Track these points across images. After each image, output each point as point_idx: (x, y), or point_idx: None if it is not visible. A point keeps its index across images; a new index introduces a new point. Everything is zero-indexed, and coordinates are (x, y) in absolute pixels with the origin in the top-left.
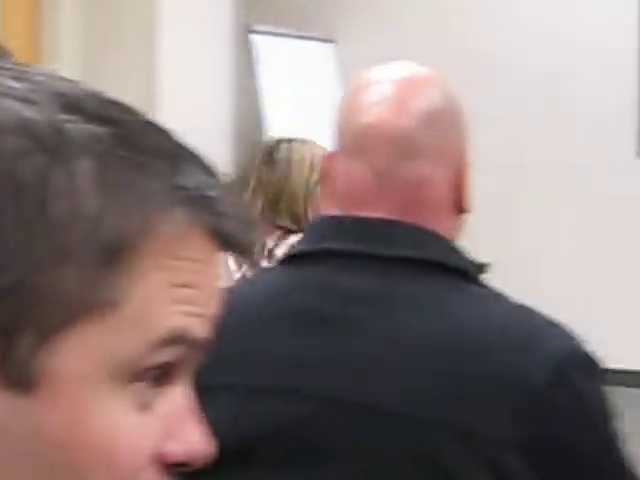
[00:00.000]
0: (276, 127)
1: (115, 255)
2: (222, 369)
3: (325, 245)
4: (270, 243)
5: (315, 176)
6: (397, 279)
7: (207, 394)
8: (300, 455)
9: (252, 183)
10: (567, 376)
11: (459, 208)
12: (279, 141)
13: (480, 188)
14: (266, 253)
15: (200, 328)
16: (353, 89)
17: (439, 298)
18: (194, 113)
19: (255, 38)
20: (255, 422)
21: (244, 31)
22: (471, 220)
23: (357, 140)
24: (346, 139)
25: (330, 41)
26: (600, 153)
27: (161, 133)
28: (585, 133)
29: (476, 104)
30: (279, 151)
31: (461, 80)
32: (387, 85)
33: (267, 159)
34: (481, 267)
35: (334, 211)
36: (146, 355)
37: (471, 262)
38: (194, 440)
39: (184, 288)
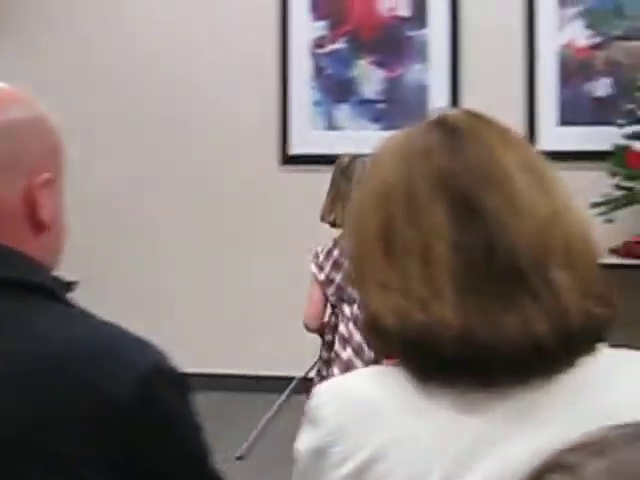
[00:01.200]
0: None
1: None
2: None
3: None
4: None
5: None
6: None
7: None
8: None
9: (331, 194)
10: (152, 391)
11: (39, 225)
12: (354, 157)
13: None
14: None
15: None
16: None
17: (21, 318)
18: None
19: None
20: None
21: None
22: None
23: None
24: None
25: None
26: (243, 161)
27: None
28: (229, 139)
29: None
30: (355, 166)
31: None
32: None
33: (344, 173)
34: (68, 285)
35: None
36: None
37: (56, 280)
38: None
39: None
